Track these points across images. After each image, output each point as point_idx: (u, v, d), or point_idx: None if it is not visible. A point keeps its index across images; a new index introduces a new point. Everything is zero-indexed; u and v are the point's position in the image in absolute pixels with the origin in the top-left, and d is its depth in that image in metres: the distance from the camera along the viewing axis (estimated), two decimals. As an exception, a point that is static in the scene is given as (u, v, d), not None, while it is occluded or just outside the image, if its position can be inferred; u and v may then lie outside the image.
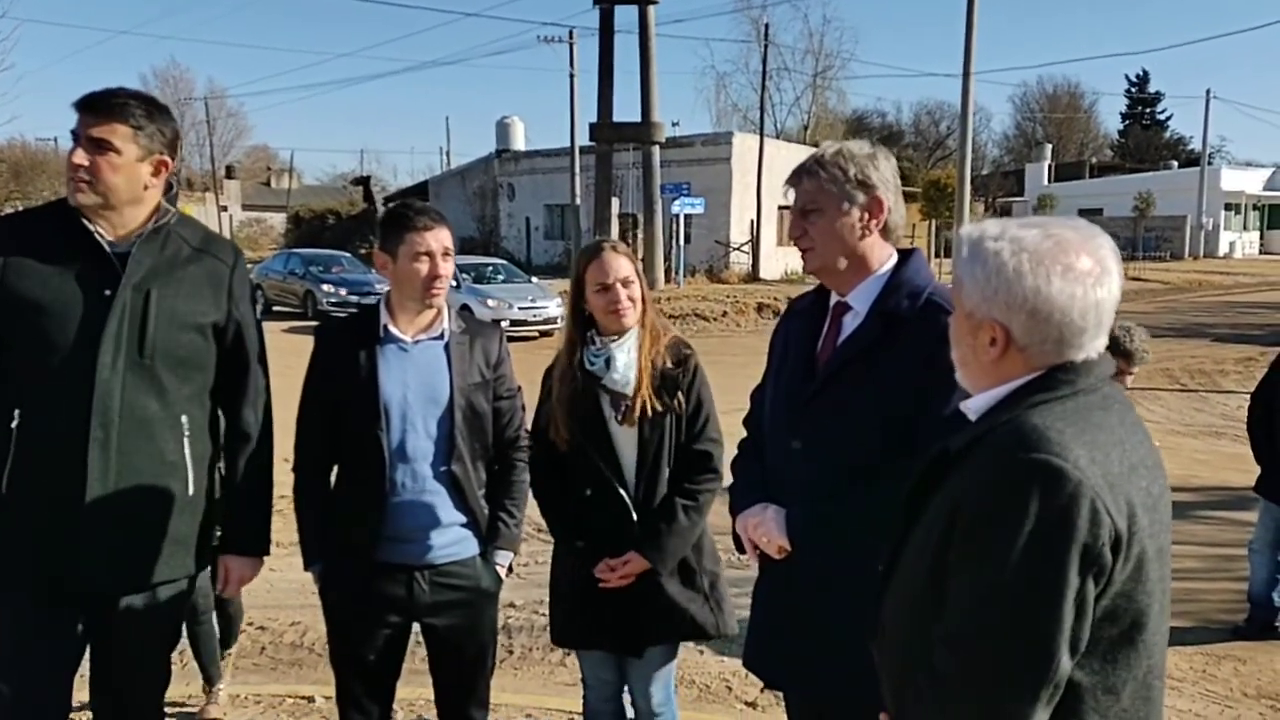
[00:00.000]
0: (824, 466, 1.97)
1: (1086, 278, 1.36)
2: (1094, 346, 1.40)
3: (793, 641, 2.05)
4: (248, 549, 2.41)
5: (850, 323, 2.02)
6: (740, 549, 2.16)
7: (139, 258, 2.19)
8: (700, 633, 2.61)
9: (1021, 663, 1.29)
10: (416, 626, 2.56)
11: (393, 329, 2.45)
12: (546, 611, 4.21)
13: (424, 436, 2.42)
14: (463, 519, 2.48)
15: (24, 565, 2.14)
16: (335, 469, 2.54)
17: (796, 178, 2.02)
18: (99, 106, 2.14)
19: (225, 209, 45.53)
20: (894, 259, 2.03)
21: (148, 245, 2.21)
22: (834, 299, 2.06)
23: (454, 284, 18.05)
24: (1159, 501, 1.38)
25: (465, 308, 2.40)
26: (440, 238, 2.41)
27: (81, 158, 2.13)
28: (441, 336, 2.48)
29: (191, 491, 2.27)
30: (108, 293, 2.15)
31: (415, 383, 2.43)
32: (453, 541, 2.47)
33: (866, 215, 1.97)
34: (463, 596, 2.48)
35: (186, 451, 2.25)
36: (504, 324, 17.09)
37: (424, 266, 2.39)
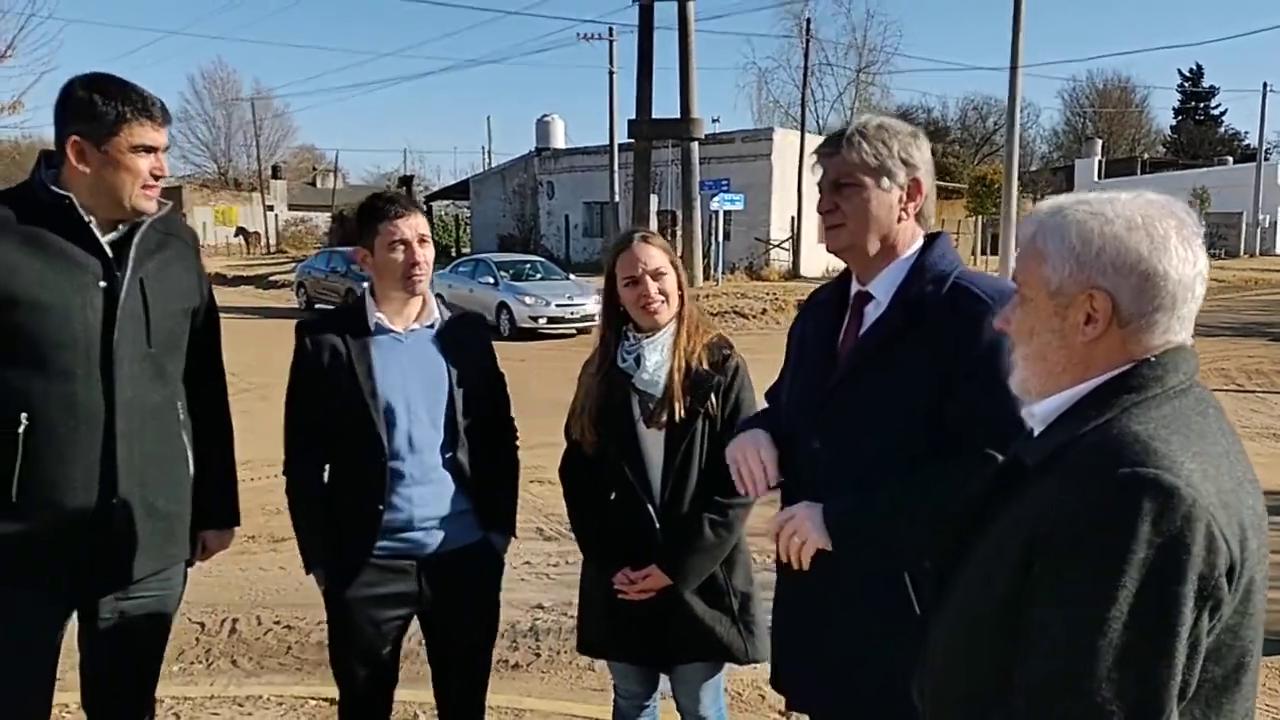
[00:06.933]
0: (848, 467, 1.82)
1: (1194, 239, 1.19)
2: (1190, 327, 1.22)
3: (824, 663, 1.90)
4: (224, 522, 2.46)
5: (872, 313, 1.88)
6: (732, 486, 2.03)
7: (131, 248, 2.15)
8: (728, 656, 2.47)
9: (1126, 717, 1.09)
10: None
11: (384, 321, 2.43)
12: (574, 614, 4.16)
13: (429, 426, 2.41)
14: (466, 505, 2.47)
15: (43, 565, 2.09)
16: (328, 468, 2.48)
17: (832, 147, 1.86)
18: (167, 115, 2.16)
19: (271, 208, 46.26)
20: (919, 243, 1.90)
21: (133, 234, 2.18)
22: (854, 289, 1.94)
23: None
24: (1262, 522, 1.20)
25: (439, 296, 2.54)
26: (414, 224, 2.40)
27: (165, 167, 2.15)
28: (433, 325, 2.48)
29: (192, 471, 2.32)
30: (104, 285, 2.10)
31: (415, 373, 2.42)
32: (458, 530, 2.46)
33: (905, 196, 1.84)
34: (468, 582, 2.49)
35: (183, 433, 2.29)
36: (541, 321, 17.17)
37: (400, 255, 2.38)
